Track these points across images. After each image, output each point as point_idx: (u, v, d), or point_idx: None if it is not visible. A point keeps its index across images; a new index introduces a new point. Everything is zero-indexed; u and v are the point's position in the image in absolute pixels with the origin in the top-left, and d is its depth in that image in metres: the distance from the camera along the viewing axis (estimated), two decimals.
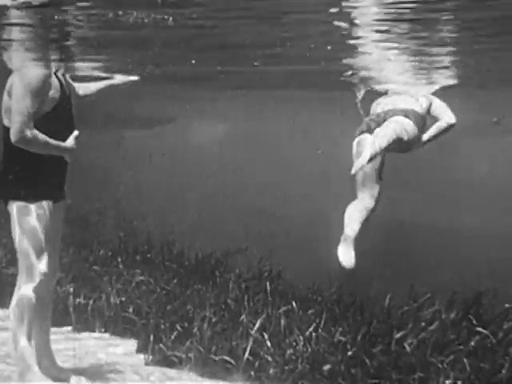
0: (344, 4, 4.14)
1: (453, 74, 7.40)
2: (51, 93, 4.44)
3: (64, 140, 4.44)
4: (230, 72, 7.99)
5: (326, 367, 4.98)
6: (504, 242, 9.36)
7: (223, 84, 9.96)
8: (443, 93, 6.55)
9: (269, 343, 5.31)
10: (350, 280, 6.75)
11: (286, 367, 5.06)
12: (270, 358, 5.15)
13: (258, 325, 5.56)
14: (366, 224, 5.21)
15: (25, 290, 4.44)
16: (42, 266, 4.45)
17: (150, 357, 5.53)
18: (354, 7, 4.28)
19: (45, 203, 4.47)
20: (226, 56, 6.56)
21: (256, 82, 9.27)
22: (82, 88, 4.97)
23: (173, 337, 5.65)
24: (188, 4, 4.23)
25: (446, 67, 6.89)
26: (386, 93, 6.22)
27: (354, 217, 5.21)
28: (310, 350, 5.15)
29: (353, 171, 5.01)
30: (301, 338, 5.30)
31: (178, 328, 5.74)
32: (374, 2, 4.18)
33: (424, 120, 5.71)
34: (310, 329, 5.47)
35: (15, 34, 5.17)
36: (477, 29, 4.85)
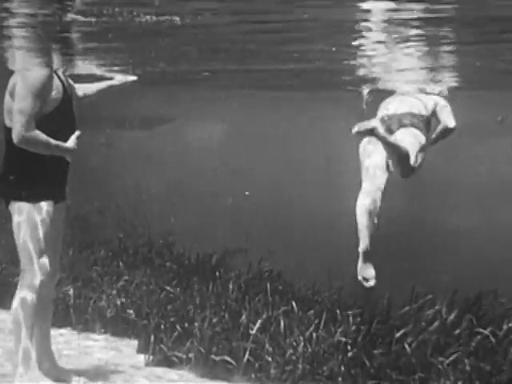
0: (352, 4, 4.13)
1: (455, 74, 7.40)
2: (53, 93, 4.44)
3: (65, 140, 4.44)
4: (233, 72, 7.99)
5: (327, 368, 4.99)
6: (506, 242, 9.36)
7: (224, 84, 9.96)
8: (448, 94, 6.56)
9: (269, 344, 5.31)
10: (350, 280, 6.76)
11: (287, 367, 5.06)
12: (270, 359, 5.15)
13: (258, 325, 5.57)
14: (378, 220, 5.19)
15: (26, 290, 4.44)
16: (43, 266, 4.45)
17: (151, 357, 5.53)
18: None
19: (46, 204, 4.48)
20: (229, 56, 6.56)
21: (259, 83, 9.27)
22: (82, 89, 4.98)
23: (173, 337, 5.65)
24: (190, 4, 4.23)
25: (448, 67, 6.88)
26: (392, 93, 6.21)
27: (365, 225, 5.16)
28: (310, 350, 5.16)
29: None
30: (301, 338, 5.30)
31: (179, 328, 5.74)
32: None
33: (430, 123, 5.73)
34: (311, 329, 5.47)
35: (17, 33, 5.17)
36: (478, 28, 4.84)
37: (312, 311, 6.00)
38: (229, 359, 5.23)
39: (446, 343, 5.19)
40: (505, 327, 5.43)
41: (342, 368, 4.96)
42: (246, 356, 5.18)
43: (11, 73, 4.53)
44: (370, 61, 6.53)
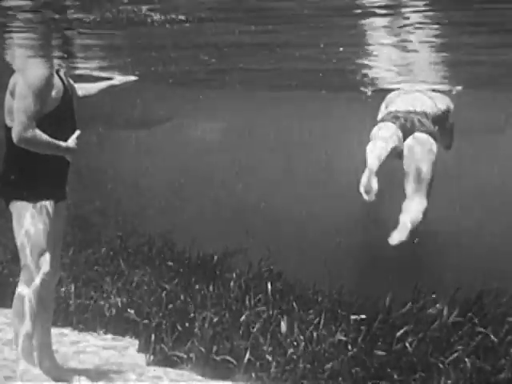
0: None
1: (458, 75, 7.40)
2: (54, 93, 4.44)
3: (66, 140, 4.44)
4: (238, 70, 7.98)
5: (327, 367, 4.99)
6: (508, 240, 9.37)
7: (225, 84, 9.96)
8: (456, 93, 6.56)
9: (270, 343, 5.31)
10: (350, 279, 6.77)
11: (287, 367, 5.06)
12: (270, 358, 5.15)
13: (258, 325, 5.56)
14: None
15: (26, 290, 4.44)
16: (43, 266, 4.45)
17: (151, 357, 5.53)
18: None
19: (47, 203, 4.48)
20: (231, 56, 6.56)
21: (262, 83, 9.27)
22: (82, 89, 4.97)
23: (174, 337, 5.65)
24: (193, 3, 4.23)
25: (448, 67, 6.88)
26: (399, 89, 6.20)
27: (374, 151, 5.16)
28: (310, 349, 5.16)
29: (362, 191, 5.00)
30: (302, 337, 5.30)
31: (179, 328, 5.74)
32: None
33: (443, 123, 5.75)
34: (311, 328, 5.47)
35: (17, 33, 5.17)
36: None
37: (312, 310, 6.01)
38: (230, 359, 5.23)
39: (446, 342, 5.19)
40: (506, 326, 5.42)
41: (343, 367, 4.95)
42: (247, 355, 5.18)
43: (12, 72, 4.53)
44: (376, 61, 6.52)
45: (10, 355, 5.30)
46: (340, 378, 4.91)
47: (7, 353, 5.47)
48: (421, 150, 5.36)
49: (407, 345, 5.13)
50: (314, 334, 5.33)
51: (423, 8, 4.14)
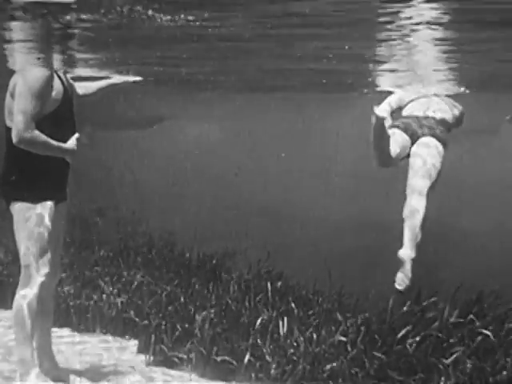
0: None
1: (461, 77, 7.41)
2: (54, 94, 4.44)
3: (65, 140, 4.44)
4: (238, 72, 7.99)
5: (327, 368, 4.99)
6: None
7: (225, 85, 9.96)
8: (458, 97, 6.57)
9: (269, 344, 5.31)
10: (350, 279, 6.76)
11: (287, 368, 5.06)
12: (270, 359, 5.16)
13: (258, 325, 5.57)
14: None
15: (27, 290, 4.44)
16: (44, 266, 4.45)
17: (151, 357, 5.53)
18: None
19: (47, 204, 4.48)
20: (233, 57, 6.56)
21: (263, 84, 9.28)
22: (81, 88, 4.97)
23: (174, 337, 5.66)
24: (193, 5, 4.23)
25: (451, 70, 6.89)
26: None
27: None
28: (310, 350, 5.16)
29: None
30: (301, 338, 5.30)
31: (179, 329, 5.74)
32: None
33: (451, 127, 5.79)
34: (311, 329, 5.47)
35: (17, 33, 5.17)
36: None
37: (312, 311, 6.01)
38: (230, 359, 5.23)
39: (447, 343, 5.18)
40: (506, 327, 5.42)
41: (343, 368, 4.95)
42: (247, 356, 5.18)
43: (12, 73, 4.53)
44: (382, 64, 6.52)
45: (10, 356, 5.30)
46: (340, 379, 4.91)
47: (7, 353, 5.47)
48: (427, 151, 5.41)
49: (407, 346, 5.13)
50: (314, 335, 5.33)
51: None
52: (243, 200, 12.54)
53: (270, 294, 6.38)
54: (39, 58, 6.06)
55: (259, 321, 5.63)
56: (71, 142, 4.46)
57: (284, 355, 5.15)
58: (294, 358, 5.11)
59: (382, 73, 7.35)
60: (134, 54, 6.53)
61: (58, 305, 6.11)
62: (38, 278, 4.45)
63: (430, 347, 5.11)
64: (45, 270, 4.46)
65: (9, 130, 4.40)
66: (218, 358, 5.27)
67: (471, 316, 5.50)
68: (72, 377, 4.94)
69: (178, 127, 16.31)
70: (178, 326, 5.77)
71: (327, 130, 13.81)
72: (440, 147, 5.48)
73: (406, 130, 5.50)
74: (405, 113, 5.85)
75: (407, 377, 4.91)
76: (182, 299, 6.47)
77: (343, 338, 5.25)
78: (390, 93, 6.30)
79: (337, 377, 4.93)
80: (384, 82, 7.92)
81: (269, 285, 6.51)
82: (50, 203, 4.50)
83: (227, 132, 16.25)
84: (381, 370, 4.95)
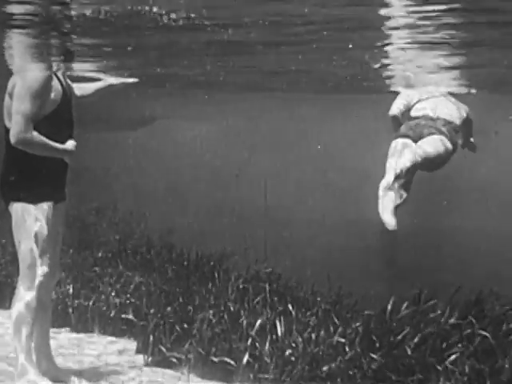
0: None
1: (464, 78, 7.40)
2: (53, 95, 4.44)
3: (64, 141, 4.44)
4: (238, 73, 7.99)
5: (325, 368, 4.98)
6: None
7: (225, 86, 9.97)
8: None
9: (268, 344, 5.31)
10: (349, 280, 6.76)
11: (286, 368, 5.06)
12: (269, 360, 5.15)
13: (257, 326, 5.56)
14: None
15: (25, 290, 4.44)
16: (42, 267, 4.45)
17: (150, 358, 5.53)
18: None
19: (46, 204, 4.48)
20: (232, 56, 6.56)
21: (264, 84, 9.28)
22: (80, 88, 4.97)
23: (172, 338, 5.65)
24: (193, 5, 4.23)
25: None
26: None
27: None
28: (309, 351, 5.15)
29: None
30: (300, 339, 5.30)
31: (178, 329, 5.73)
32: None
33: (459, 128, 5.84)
34: (309, 330, 5.47)
35: (17, 34, 5.17)
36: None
37: (310, 312, 6.00)
38: (228, 360, 5.22)
39: (446, 344, 5.18)
40: (504, 328, 5.42)
41: (341, 369, 4.95)
42: (246, 357, 5.17)
43: (11, 73, 4.53)
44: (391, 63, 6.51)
45: (9, 356, 5.29)
46: (338, 380, 4.91)
47: (5, 353, 5.46)
48: (428, 140, 5.53)
49: (405, 347, 5.12)
50: (313, 336, 5.33)
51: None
52: (242, 200, 12.55)
53: (268, 294, 6.37)
54: (38, 59, 6.06)
55: (258, 321, 5.63)
56: (70, 143, 4.46)
57: (282, 356, 5.15)
58: (293, 358, 5.11)
59: (388, 74, 7.34)
60: (134, 54, 6.55)
61: (57, 305, 6.11)
62: (37, 278, 4.45)
63: (428, 348, 5.10)
64: (43, 270, 4.45)
65: (8, 130, 4.40)
66: (217, 359, 5.26)
67: (470, 317, 5.49)
68: (70, 377, 4.92)
69: (176, 127, 16.31)
70: (177, 327, 5.76)
71: (327, 130, 13.82)
72: (448, 143, 5.55)
73: (414, 133, 5.57)
74: (413, 113, 5.86)
75: (405, 378, 4.90)
76: (181, 300, 6.46)
77: (341, 339, 5.25)
78: (397, 93, 6.31)
79: (335, 377, 4.93)
80: (391, 84, 7.91)
81: (267, 286, 6.51)
82: (48, 203, 4.49)
83: (227, 132, 16.26)
84: (379, 370, 4.94)
